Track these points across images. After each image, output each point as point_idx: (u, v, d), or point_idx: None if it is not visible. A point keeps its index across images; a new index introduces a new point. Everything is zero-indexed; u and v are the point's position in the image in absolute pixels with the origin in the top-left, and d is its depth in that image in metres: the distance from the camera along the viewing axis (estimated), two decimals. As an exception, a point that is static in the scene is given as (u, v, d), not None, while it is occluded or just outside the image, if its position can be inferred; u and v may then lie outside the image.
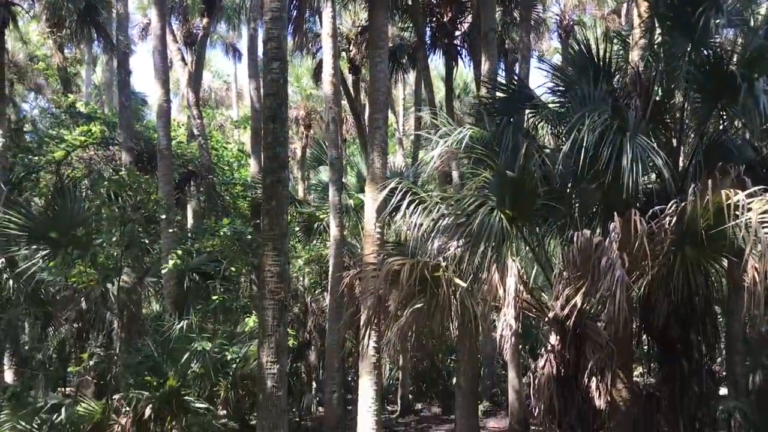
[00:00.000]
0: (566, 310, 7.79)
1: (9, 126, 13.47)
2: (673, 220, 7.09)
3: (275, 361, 6.51)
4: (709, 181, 6.74)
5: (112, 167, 14.89)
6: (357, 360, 10.29)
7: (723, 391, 11.29)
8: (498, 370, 21.89)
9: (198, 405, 9.23)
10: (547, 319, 8.48)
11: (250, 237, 8.46)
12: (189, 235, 12.80)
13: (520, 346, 15.63)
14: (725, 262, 10.98)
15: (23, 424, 8.33)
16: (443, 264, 8.18)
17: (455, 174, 13.28)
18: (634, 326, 9.60)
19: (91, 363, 7.77)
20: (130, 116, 14.24)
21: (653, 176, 8.99)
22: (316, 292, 20.57)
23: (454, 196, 8.63)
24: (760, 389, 13.36)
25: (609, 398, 8.02)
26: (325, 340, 15.73)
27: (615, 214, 7.05)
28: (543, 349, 8.58)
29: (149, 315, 12.39)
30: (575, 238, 6.99)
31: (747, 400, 10.99)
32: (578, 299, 7.64)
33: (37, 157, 14.47)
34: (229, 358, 8.66)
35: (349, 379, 19.61)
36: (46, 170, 15.33)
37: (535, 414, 8.80)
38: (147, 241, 9.21)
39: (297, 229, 18.46)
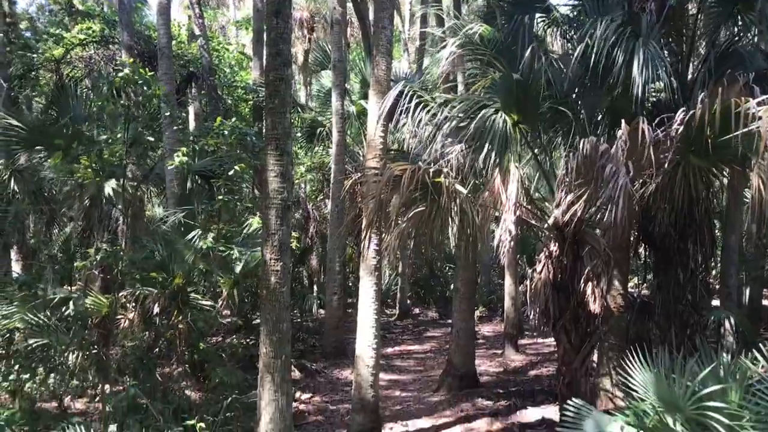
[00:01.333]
0: (567, 217, 7.84)
1: (4, 20, 13.12)
2: (680, 129, 7.01)
3: (278, 258, 6.62)
4: (719, 89, 6.63)
5: (112, 67, 14.62)
6: (357, 266, 10.45)
7: (715, 302, 11.55)
8: (495, 279, 22.37)
9: (203, 302, 9.49)
10: (546, 225, 8.56)
11: (253, 139, 8.41)
12: (191, 138, 12.74)
13: (518, 256, 15.89)
14: (726, 179, 11.02)
15: (33, 315, 8.56)
16: (444, 170, 8.18)
17: (460, 79, 13.06)
18: (632, 235, 9.73)
19: (98, 258, 7.88)
20: (129, 14, 13.85)
21: (661, 85, 8.86)
22: (318, 198, 20.71)
23: (458, 98, 8.51)
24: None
25: (604, 303, 8.20)
26: (326, 245, 15.96)
27: (623, 121, 6.98)
28: (541, 255, 8.69)
29: (153, 217, 12.54)
30: (581, 145, 6.94)
31: (738, 310, 11.28)
32: (579, 206, 7.69)
33: (35, 55, 14.19)
34: (234, 256, 8.80)
35: (350, 284, 20.01)
36: (46, 68, 15.08)
37: (530, 318, 9.02)
38: (151, 139, 9.16)
39: (299, 135, 18.36)
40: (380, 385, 10.16)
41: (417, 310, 22.10)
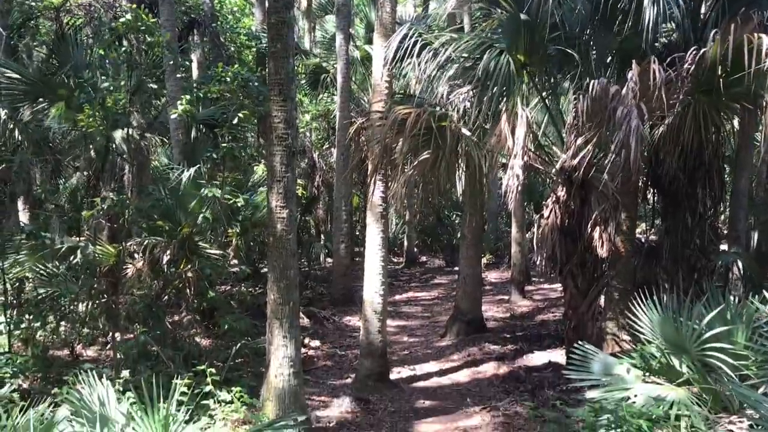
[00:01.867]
0: (576, 161, 7.76)
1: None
2: (691, 68, 6.86)
3: (284, 205, 6.59)
4: (732, 27, 6.45)
5: (113, 14, 14.34)
6: (364, 215, 10.45)
7: (723, 247, 11.51)
8: (502, 226, 22.37)
9: (211, 251, 9.51)
10: (554, 170, 8.48)
11: (257, 85, 8.27)
12: (195, 86, 12.57)
13: (525, 203, 15.82)
14: (737, 120, 10.83)
15: (42, 265, 8.62)
16: (450, 113, 8.07)
17: (466, 21, 12.78)
18: (640, 179, 9.64)
19: (104, 207, 7.87)
20: (127, -42, 13.52)
21: (672, 25, 8.64)
22: (324, 147, 20.59)
23: (462, 37, 8.31)
24: (759, 244, 13.62)
25: (611, 248, 8.18)
26: (332, 194, 15.93)
27: (633, 62, 6.82)
28: (548, 200, 8.64)
29: (159, 167, 12.48)
30: (590, 87, 6.81)
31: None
32: (588, 150, 7.61)
33: (34, 3, 13.93)
34: (239, 204, 8.77)
35: (357, 233, 20.07)
36: (45, 17, 14.82)
37: (537, 264, 9.02)
38: (154, 87, 9.03)
39: (303, 82, 18.13)
40: (388, 330, 10.25)
41: (424, 258, 22.21)
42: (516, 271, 14.37)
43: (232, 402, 6.43)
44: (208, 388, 6.42)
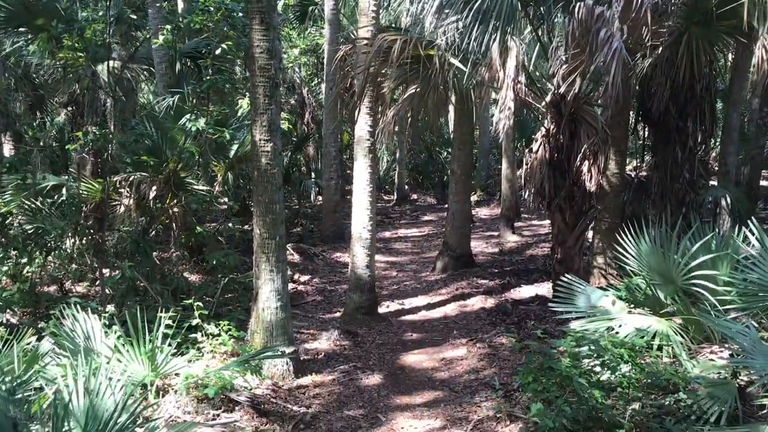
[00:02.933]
0: (563, 89, 7.64)
1: None
2: (684, -4, 6.69)
3: (268, 139, 6.48)
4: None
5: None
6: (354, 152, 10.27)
7: (713, 183, 11.52)
8: (493, 164, 22.29)
9: (197, 187, 9.44)
10: (544, 103, 8.37)
11: (241, 15, 8.03)
12: (179, 19, 12.22)
13: (516, 140, 15.68)
14: (730, 53, 10.64)
15: (28, 202, 8.54)
16: (438, 41, 7.89)
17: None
18: (631, 114, 9.54)
19: (88, 140, 7.72)
20: None
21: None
22: (313, 84, 20.26)
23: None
24: (750, 180, 13.64)
25: (600, 182, 8.15)
26: (322, 131, 15.73)
27: (621, -15, 6.62)
28: (538, 134, 8.56)
29: (145, 103, 12.27)
30: (576, 9, 6.64)
31: (735, 189, 11.26)
32: (577, 78, 7.48)
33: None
34: (225, 139, 8.65)
35: (348, 172, 19.95)
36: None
37: (525, 197, 9.00)
38: (134, 17, 8.75)
39: (290, 15, 17.68)
40: (377, 266, 10.29)
41: (414, 196, 22.17)
42: (505, 207, 14.37)
43: (220, 335, 6.48)
44: (195, 322, 6.46)
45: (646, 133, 10.27)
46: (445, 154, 22.13)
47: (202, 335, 6.52)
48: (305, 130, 18.80)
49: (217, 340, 6.47)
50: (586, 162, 8.09)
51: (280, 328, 6.63)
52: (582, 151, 8.04)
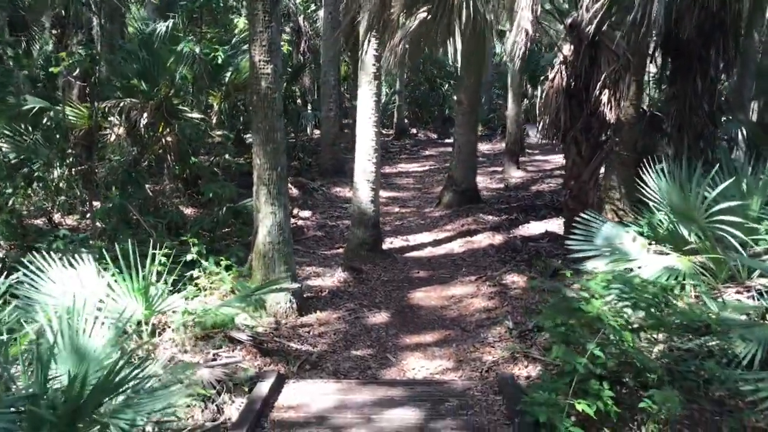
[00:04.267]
0: (590, 13, 7.08)
1: None
2: None
3: (268, 60, 5.96)
4: None
5: None
6: (353, 86, 9.74)
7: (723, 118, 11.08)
8: (494, 98, 21.64)
9: (191, 115, 8.92)
10: (563, 26, 7.81)
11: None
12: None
13: (522, 73, 15.03)
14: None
15: (12, 128, 8.02)
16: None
17: None
18: (653, 39, 8.99)
19: (74, 61, 7.15)
20: None
21: None
22: (310, 10, 19.37)
23: None
24: (761, 113, 13.17)
25: (620, 112, 7.69)
26: (319, 60, 15.05)
27: None
28: (555, 60, 8.05)
29: (133, 30, 11.56)
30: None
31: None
32: (604, 1, 6.93)
33: None
34: (220, 61, 8.07)
35: (345, 104, 19.33)
36: None
37: (538, 129, 8.54)
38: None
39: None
40: (380, 201, 9.91)
41: (414, 130, 21.57)
42: (510, 142, 13.91)
43: (218, 273, 6.12)
44: (189, 257, 6.09)
45: (665, 60, 9.72)
46: (447, 86, 21.43)
47: (200, 271, 6.16)
48: (301, 60, 18.06)
49: (216, 276, 6.11)
50: (606, 91, 7.62)
51: (283, 263, 6.27)
52: (602, 78, 7.55)
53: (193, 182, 9.58)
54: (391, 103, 21.88)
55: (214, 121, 9.98)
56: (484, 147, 18.31)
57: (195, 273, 6.15)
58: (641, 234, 6.29)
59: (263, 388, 4.66)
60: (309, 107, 18.99)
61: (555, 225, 9.32)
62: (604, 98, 7.63)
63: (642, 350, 4.39)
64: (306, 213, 10.56)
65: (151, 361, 4.82)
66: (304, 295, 6.78)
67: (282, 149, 6.20)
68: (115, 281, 5.32)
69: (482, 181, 12.76)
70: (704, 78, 8.64)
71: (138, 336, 5.18)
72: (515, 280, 7.27)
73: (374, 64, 7.87)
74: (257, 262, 6.31)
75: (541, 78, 12.20)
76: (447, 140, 19.79)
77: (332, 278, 7.48)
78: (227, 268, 6.24)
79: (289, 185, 11.69)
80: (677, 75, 9.02)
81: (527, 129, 17.04)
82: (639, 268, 5.62)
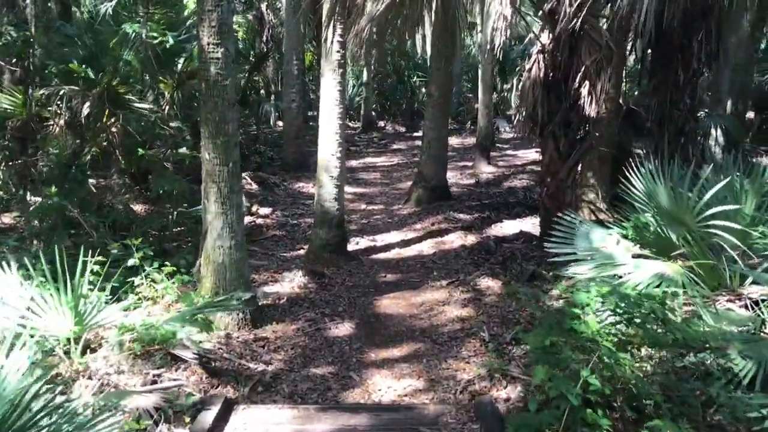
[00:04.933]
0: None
1: None
2: None
3: (218, 43, 5.33)
4: None
5: None
6: (317, 76, 9.13)
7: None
8: (463, 92, 21.13)
9: (139, 105, 8.21)
10: (541, 13, 7.30)
11: None
12: None
13: (493, 66, 14.52)
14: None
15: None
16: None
17: None
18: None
19: (3, 44, 6.41)
20: None
21: None
22: (272, -2, 18.64)
23: None
24: (735, 107, 12.90)
25: (600, 107, 7.22)
26: (282, 49, 14.34)
27: None
28: (532, 50, 7.54)
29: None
30: None
31: (730, 116, 10.51)
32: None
33: None
34: (168, 46, 7.36)
35: (311, 96, 18.66)
36: None
37: (513, 122, 8.03)
38: None
39: None
40: (345, 197, 9.33)
41: (382, 123, 20.92)
42: (481, 136, 13.40)
43: (163, 280, 5.48)
44: (131, 262, 5.44)
45: (644, 52, 9.29)
46: (415, 78, 20.84)
47: (142, 279, 5.51)
48: (264, 49, 17.32)
49: (162, 284, 5.47)
50: (587, 83, 7.13)
51: (234, 270, 5.65)
52: (582, 69, 7.06)
53: (143, 177, 8.88)
54: (358, 95, 21.22)
55: (166, 111, 9.25)
56: (453, 141, 17.76)
57: (137, 280, 5.51)
58: (625, 237, 5.84)
59: (207, 417, 4.06)
60: (272, 98, 18.24)
61: (529, 224, 8.85)
62: (584, 91, 7.14)
63: (637, 373, 3.91)
64: (266, 210, 9.91)
65: (76, 389, 4.21)
66: (260, 303, 6.17)
67: (235, 142, 5.57)
68: (47, 292, 4.66)
69: (452, 176, 12.22)
70: (686, 70, 8.23)
71: (67, 356, 4.53)
72: (490, 285, 6.77)
73: (338, 51, 7.26)
74: (206, 269, 5.68)
75: (516, 70, 11.75)
76: (415, 134, 19.23)
77: (292, 283, 6.88)
78: (172, 275, 5.60)
79: (249, 180, 11.05)
80: (657, 66, 8.61)
81: (497, 123, 16.59)
82: (628, 274, 5.15)
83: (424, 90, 20.15)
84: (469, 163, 13.77)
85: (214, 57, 5.32)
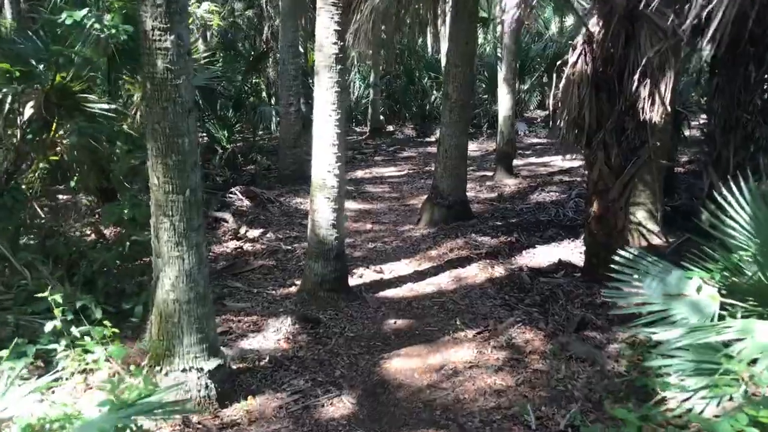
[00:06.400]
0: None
1: None
2: None
3: (167, 27, 3.89)
4: None
5: None
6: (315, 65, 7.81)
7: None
8: (479, 93, 19.63)
9: (99, 105, 6.80)
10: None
11: None
12: None
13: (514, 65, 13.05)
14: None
15: None
16: None
17: None
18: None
19: None
20: None
21: None
22: (274, -7, 17.25)
23: None
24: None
25: (665, 110, 5.75)
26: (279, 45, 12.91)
27: None
28: (577, 39, 6.09)
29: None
30: None
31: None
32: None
33: None
34: (124, 37, 5.96)
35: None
36: None
37: (556, 124, 6.58)
38: None
39: None
40: (348, 215, 7.93)
41: (391, 128, 19.40)
42: (503, 142, 11.95)
43: (91, 350, 4.06)
44: (49, 327, 4.03)
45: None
46: (427, 79, 19.38)
47: (66, 346, 4.10)
48: (264, 47, 15.96)
49: (91, 354, 4.06)
50: (647, 81, 5.67)
51: (194, 331, 4.23)
52: (642, 63, 5.60)
53: (111, 196, 7.49)
54: (365, 97, 19.78)
55: (137, 116, 7.87)
56: (470, 147, 16.33)
57: (58, 348, 4.10)
58: (710, 279, 4.39)
59: None
60: (273, 101, 16.83)
61: (568, 251, 7.40)
62: (644, 91, 5.69)
63: None
64: (255, 232, 8.47)
65: None
66: (233, 367, 4.76)
67: (194, 161, 4.14)
68: None
69: (470, 188, 10.76)
70: (759, 65, 6.77)
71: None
72: (528, 337, 5.31)
73: (335, 43, 5.84)
74: (157, 328, 4.26)
75: (535, 68, 10.26)
76: (427, 139, 17.79)
77: (278, 335, 5.45)
78: (110, 339, 4.19)
79: (240, 196, 9.69)
80: (721, 61, 7.14)
81: (517, 126, 15.13)
82: (739, 341, 3.69)
83: (435, 92, 18.71)
84: (489, 173, 12.32)
85: (161, 47, 3.90)
